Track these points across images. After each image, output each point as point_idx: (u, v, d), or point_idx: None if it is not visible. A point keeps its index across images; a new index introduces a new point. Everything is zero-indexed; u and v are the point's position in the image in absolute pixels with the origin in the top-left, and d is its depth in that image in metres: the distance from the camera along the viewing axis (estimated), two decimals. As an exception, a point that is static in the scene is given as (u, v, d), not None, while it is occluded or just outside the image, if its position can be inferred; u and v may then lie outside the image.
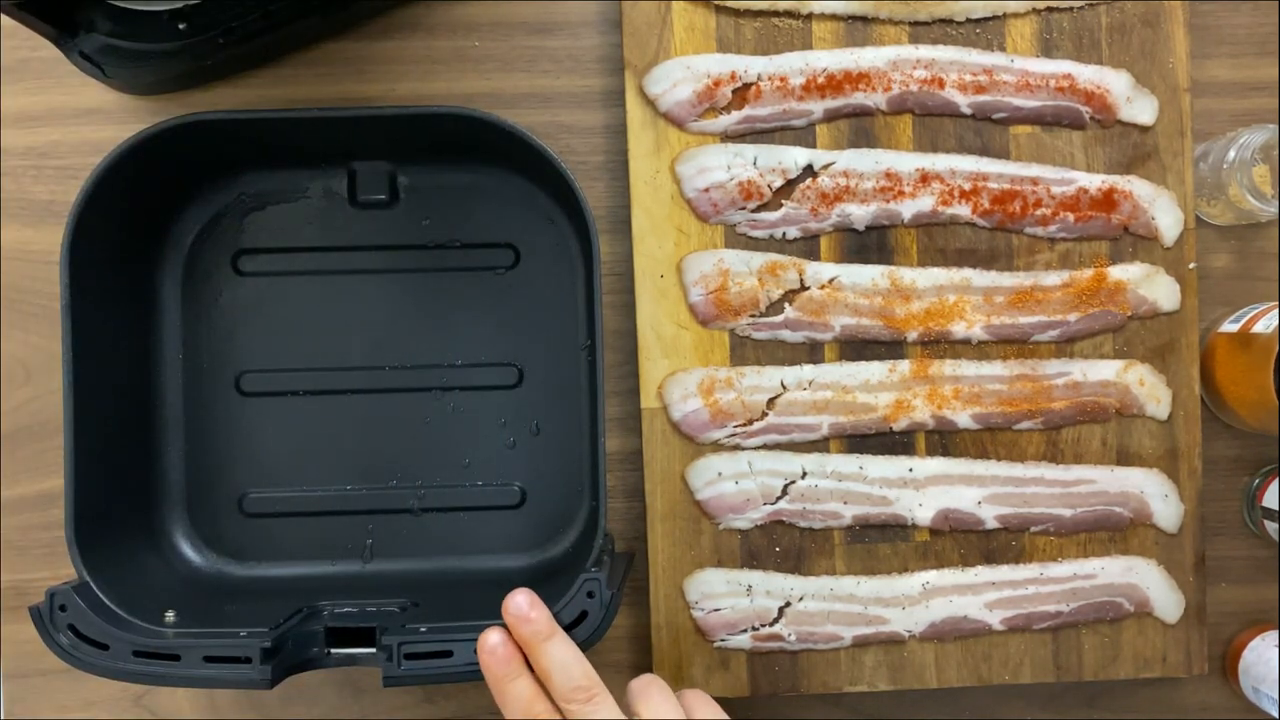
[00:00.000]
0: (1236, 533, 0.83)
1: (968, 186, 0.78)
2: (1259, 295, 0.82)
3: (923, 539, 0.79)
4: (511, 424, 0.80)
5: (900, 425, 0.78)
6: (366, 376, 0.80)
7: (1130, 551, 0.79)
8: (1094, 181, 0.78)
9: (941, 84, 0.77)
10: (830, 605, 0.78)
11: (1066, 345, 0.79)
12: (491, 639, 0.65)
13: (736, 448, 0.78)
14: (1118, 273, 0.78)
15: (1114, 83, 0.78)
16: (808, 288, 0.78)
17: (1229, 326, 0.79)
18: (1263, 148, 0.76)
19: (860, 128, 0.78)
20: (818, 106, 0.77)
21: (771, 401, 0.78)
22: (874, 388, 0.78)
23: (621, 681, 0.82)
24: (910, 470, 0.78)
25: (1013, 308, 0.78)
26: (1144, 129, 0.78)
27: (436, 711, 0.82)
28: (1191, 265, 0.79)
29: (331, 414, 0.80)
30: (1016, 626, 0.78)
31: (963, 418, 0.78)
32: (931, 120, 0.78)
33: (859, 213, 0.78)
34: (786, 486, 0.78)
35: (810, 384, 0.78)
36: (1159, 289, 0.78)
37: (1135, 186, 0.78)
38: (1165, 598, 0.78)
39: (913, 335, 0.78)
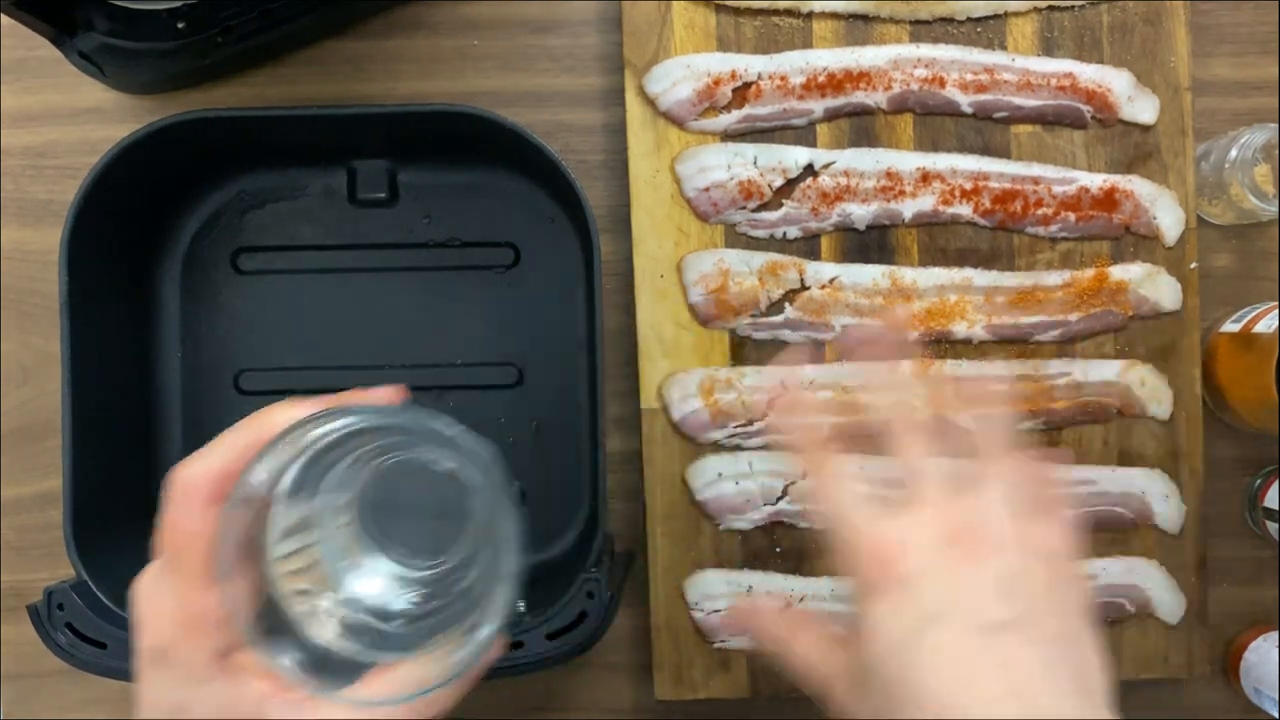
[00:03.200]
0: (1238, 533, 0.82)
1: (969, 186, 0.77)
2: (1260, 295, 0.82)
3: (923, 539, 0.79)
4: (511, 424, 0.80)
5: (901, 425, 0.78)
6: (366, 375, 0.80)
7: (1132, 552, 0.78)
8: (1095, 181, 0.78)
9: (942, 83, 0.77)
10: (831, 606, 0.78)
11: (1068, 345, 0.78)
12: None
13: (737, 448, 0.78)
14: (1119, 272, 0.78)
15: (1115, 82, 0.77)
16: (808, 287, 0.78)
17: (1230, 326, 0.79)
18: (1264, 147, 0.76)
19: (861, 127, 0.78)
20: (818, 105, 0.77)
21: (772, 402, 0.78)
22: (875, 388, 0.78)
23: (622, 683, 0.82)
24: (911, 470, 0.78)
25: (1014, 308, 0.78)
26: (1145, 128, 0.78)
27: (436, 712, 0.82)
28: (1193, 265, 0.78)
29: (331, 413, 0.80)
30: (1017, 627, 0.78)
31: (964, 418, 0.78)
32: (932, 119, 0.78)
33: (860, 212, 0.77)
34: (787, 487, 0.78)
35: (811, 384, 0.78)
36: (1160, 289, 0.78)
37: (1136, 186, 0.78)
38: (1166, 598, 0.78)
39: (913, 335, 0.78)
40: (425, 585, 0.51)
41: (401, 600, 0.50)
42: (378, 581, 0.50)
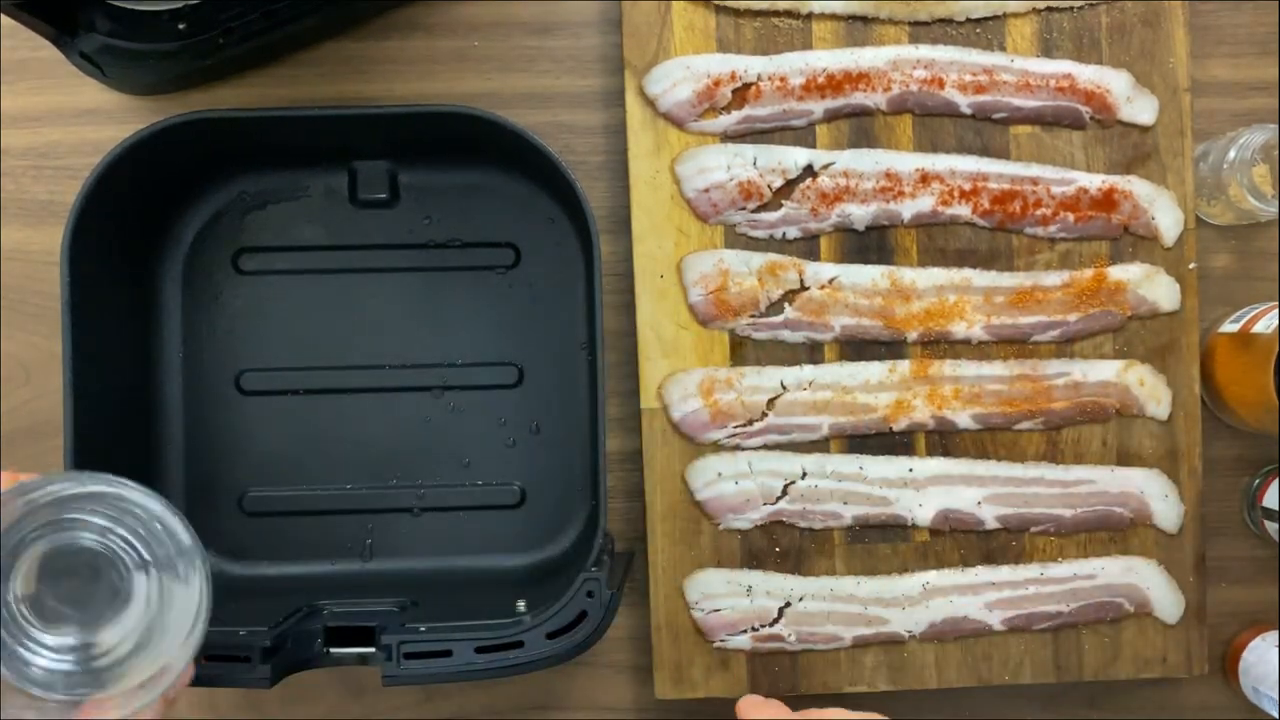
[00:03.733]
0: (1237, 533, 0.83)
1: (968, 186, 0.78)
2: (1259, 295, 0.82)
3: (923, 539, 0.79)
4: (511, 423, 0.80)
5: (900, 425, 0.78)
6: (367, 375, 0.80)
7: (1130, 552, 0.79)
8: (1094, 181, 0.78)
9: (941, 84, 0.77)
10: (830, 605, 0.78)
11: (1066, 345, 0.79)
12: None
13: (736, 448, 0.78)
14: (1118, 273, 0.78)
15: (1114, 83, 0.78)
16: (808, 288, 0.78)
17: (1229, 327, 0.79)
18: (1263, 147, 0.76)
19: (860, 128, 0.78)
20: (818, 106, 0.77)
21: (771, 402, 0.78)
22: (874, 388, 0.78)
23: (622, 681, 0.82)
24: (910, 470, 0.78)
25: (1013, 308, 0.78)
26: (1144, 129, 0.78)
27: (436, 711, 0.82)
28: (1191, 265, 0.79)
29: (332, 413, 0.80)
30: (1017, 627, 0.78)
31: (963, 418, 0.78)
32: (931, 120, 0.78)
33: (859, 213, 0.78)
34: (786, 487, 0.78)
35: (810, 384, 0.78)
36: (1159, 289, 0.78)
37: (1135, 186, 0.78)
38: (1165, 598, 0.78)
39: (913, 335, 0.78)
40: (111, 635, 0.55)
41: (85, 653, 0.55)
42: (60, 644, 0.54)
